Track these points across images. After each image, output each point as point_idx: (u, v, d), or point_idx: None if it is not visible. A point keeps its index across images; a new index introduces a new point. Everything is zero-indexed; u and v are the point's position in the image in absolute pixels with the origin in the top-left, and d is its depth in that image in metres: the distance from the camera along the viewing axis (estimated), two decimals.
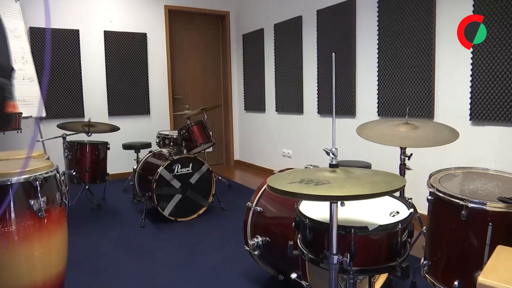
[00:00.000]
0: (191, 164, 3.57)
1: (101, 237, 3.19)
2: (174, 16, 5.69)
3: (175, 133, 3.80)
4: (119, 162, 5.12)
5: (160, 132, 4.04)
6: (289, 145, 5.06)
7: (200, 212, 3.64)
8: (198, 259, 2.74)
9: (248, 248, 2.20)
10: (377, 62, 3.58)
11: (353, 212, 1.52)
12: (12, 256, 1.77)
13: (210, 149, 6.21)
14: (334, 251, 1.22)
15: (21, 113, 3.72)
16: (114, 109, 5.25)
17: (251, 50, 5.70)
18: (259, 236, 2.13)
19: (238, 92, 6.23)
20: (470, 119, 2.86)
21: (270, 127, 5.43)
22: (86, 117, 4.89)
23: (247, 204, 2.28)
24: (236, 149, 6.39)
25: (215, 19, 6.12)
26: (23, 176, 1.79)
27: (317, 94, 4.41)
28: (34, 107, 4.20)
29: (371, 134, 2.21)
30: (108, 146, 4.01)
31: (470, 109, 2.85)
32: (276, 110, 5.21)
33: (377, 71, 3.59)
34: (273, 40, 5.13)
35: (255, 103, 5.71)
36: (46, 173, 1.90)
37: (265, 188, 2.24)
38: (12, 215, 1.76)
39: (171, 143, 3.76)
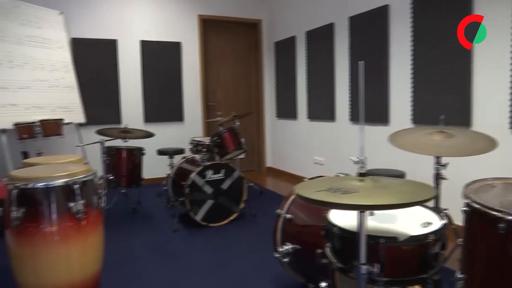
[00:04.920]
0: (223, 170, 3.62)
1: (135, 240, 3.28)
2: (207, 25, 5.81)
3: (208, 140, 3.87)
4: (154, 167, 5.26)
5: (193, 139, 4.12)
6: (321, 152, 5.03)
7: (232, 218, 3.68)
8: (228, 265, 2.77)
9: (278, 255, 2.20)
10: (412, 69, 3.50)
11: (384, 222, 1.50)
12: (52, 255, 1.87)
13: (243, 156, 6.27)
14: (363, 261, 1.21)
15: (63, 119, 3.91)
16: (150, 116, 5.41)
17: (283, 57, 5.72)
18: (288, 244, 2.13)
19: (270, 99, 6.26)
20: (510, 128, 2.74)
21: (302, 134, 5.42)
22: (123, 123, 5.06)
23: (277, 211, 2.29)
24: (268, 156, 6.41)
25: (247, 27, 6.20)
26: (63, 180, 1.89)
27: (349, 101, 4.36)
28: (75, 113, 4.40)
29: (403, 142, 2.17)
30: (143, 151, 4.13)
31: (510, 117, 2.73)
32: (308, 117, 5.20)
33: (411, 78, 3.51)
34: (305, 48, 5.13)
35: (286, 110, 5.72)
36: (84, 177, 1.99)
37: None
38: (53, 216, 1.86)
39: (204, 149, 3.83)
